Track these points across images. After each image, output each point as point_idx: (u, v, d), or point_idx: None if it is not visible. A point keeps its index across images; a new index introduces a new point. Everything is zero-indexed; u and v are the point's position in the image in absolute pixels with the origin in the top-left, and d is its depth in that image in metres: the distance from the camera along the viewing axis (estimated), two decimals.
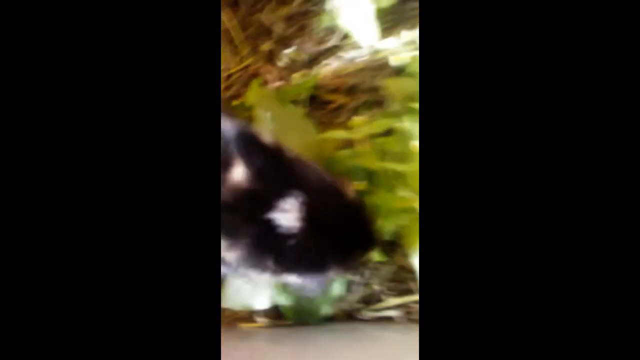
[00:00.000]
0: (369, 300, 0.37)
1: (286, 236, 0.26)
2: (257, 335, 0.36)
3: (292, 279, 0.29)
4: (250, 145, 0.27)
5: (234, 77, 0.49)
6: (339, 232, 0.28)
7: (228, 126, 0.28)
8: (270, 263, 0.27)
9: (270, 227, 0.26)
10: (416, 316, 0.36)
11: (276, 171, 0.27)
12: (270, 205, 0.26)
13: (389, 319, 0.37)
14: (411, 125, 0.32)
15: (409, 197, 0.30)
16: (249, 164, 0.27)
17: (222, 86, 0.48)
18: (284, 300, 0.35)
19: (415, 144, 0.30)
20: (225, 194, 0.26)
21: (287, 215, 0.26)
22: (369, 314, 0.37)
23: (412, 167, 0.31)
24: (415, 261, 0.30)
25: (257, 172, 0.27)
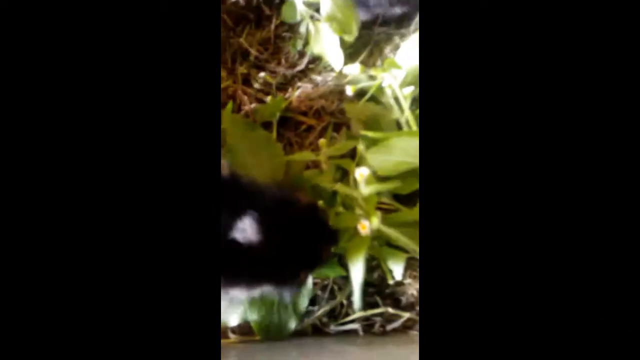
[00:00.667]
0: (336, 314, 0.39)
1: (248, 252, 0.29)
2: (229, 351, 0.38)
3: (264, 289, 0.31)
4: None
5: None
6: (298, 235, 0.30)
7: None
8: (238, 278, 0.30)
9: (234, 247, 0.29)
10: (379, 329, 0.37)
11: (230, 196, 0.29)
12: (229, 227, 0.29)
13: (354, 332, 0.38)
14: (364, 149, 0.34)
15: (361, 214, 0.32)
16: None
17: None
18: (254, 316, 0.37)
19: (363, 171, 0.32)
20: None
21: (245, 233, 0.29)
22: (335, 328, 0.38)
23: (370, 190, 0.33)
24: (356, 275, 0.32)
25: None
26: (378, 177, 0.33)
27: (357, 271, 0.31)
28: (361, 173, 0.32)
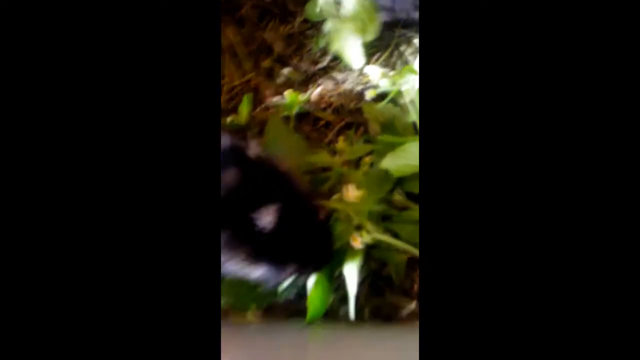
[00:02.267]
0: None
1: (260, 234, 0.31)
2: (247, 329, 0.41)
3: (258, 271, 0.33)
4: (238, 157, 0.32)
5: (236, 89, 0.53)
6: (303, 240, 0.33)
7: (227, 144, 0.33)
8: (242, 254, 0.32)
9: (248, 225, 0.31)
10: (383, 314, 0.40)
11: (259, 179, 0.32)
12: (249, 207, 0.31)
13: (362, 318, 0.41)
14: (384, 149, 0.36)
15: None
16: (234, 172, 0.32)
17: (226, 97, 0.53)
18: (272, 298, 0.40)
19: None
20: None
21: (265, 217, 0.31)
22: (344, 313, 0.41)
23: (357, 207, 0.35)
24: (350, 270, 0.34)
25: (242, 179, 0.31)
26: (394, 179, 0.35)
27: (351, 283, 0.34)
28: (351, 191, 0.34)
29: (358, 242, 0.33)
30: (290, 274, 0.34)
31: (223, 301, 0.39)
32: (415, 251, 0.34)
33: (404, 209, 0.37)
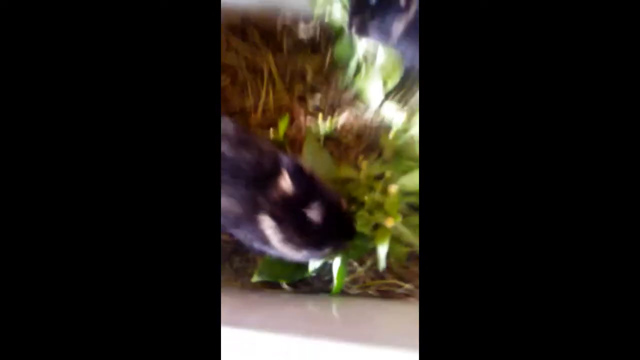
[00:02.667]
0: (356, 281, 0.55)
1: (311, 223, 0.43)
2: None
3: (304, 251, 0.45)
4: (296, 171, 0.44)
5: (269, 108, 0.64)
6: (337, 225, 0.45)
7: (285, 159, 0.45)
8: (300, 241, 0.43)
9: (304, 218, 0.43)
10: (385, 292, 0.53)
11: (308, 186, 0.44)
12: (304, 205, 0.43)
13: (368, 295, 0.54)
14: (395, 173, 0.50)
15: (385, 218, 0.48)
16: (294, 180, 0.43)
17: (259, 113, 0.64)
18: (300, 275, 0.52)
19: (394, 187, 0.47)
20: (276, 197, 0.43)
21: (313, 212, 0.43)
22: (355, 290, 0.54)
23: (391, 199, 0.48)
24: (382, 250, 0.47)
25: (298, 185, 0.43)
26: (404, 192, 0.49)
27: (382, 248, 0.47)
28: (392, 188, 0.47)
29: (391, 222, 0.47)
30: (328, 253, 0.47)
31: (260, 277, 0.52)
32: (416, 246, 0.48)
33: (408, 215, 0.51)
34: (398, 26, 0.50)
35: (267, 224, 0.43)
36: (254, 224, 0.44)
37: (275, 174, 0.44)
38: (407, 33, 0.50)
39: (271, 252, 0.47)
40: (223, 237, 0.56)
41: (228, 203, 0.45)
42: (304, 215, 0.43)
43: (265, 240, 0.44)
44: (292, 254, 0.45)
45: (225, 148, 0.45)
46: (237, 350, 0.36)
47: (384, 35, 0.51)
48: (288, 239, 0.44)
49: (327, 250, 0.45)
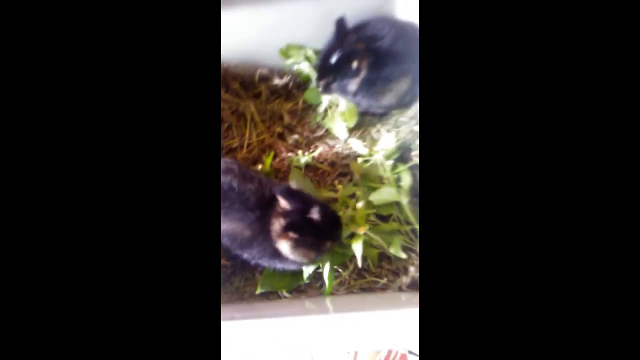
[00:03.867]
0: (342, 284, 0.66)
1: (312, 222, 0.53)
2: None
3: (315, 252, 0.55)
4: (288, 191, 0.56)
5: (253, 145, 0.76)
6: (331, 219, 0.56)
7: (277, 186, 0.56)
8: (307, 241, 0.54)
9: (308, 220, 0.53)
10: (367, 289, 0.65)
11: (301, 199, 0.55)
12: (304, 212, 0.55)
13: (353, 293, 0.66)
14: (364, 191, 0.64)
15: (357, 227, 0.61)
16: (289, 199, 0.55)
17: (245, 150, 0.76)
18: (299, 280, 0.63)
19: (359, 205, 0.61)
20: (279, 213, 0.54)
21: (313, 213, 0.54)
22: (342, 291, 0.66)
23: (360, 213, 0.61)
24: (357, 251, 0.60)
25: (293, 201, 0.55)
26: (372, 205, 0.62)
27: (357, 248, 0.59)
28: (359, 205, 0.61)
29: (362, 229, 0.59)
30: (328, 248, 0.57)
31: (263, 288, 0.62)
32: (385, 248, 0.61)
33: (377, 224, 0.64)
34: (352, 86, 0.67)
35: (279, 235, 0.53)
36: (264, 241, 0.54)
37: (274, 198, 0.55)
38: (359, 89, 0.67)
39: (277, 265, 0.58)
40: (223, 262, 0.65)
41: (238, 227, 0.55)
42: (307, 218, 0.54)
43: (275, 254, 0.55)
44: (301, 258, 0.56)
45: (233, 182, 0.56)
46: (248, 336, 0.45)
47: (343, 92, 0.68)
48: (298, 244, 0.54)
49: (328, 245, 0.56)
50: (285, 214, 0.54)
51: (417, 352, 0.66)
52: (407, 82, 0.69)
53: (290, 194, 0.55)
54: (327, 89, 0.68)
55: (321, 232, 0.54)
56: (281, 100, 0.80)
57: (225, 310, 0.53)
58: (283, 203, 0.55)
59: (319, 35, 0.68)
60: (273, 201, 0.56)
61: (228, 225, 0.56)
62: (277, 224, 0.54)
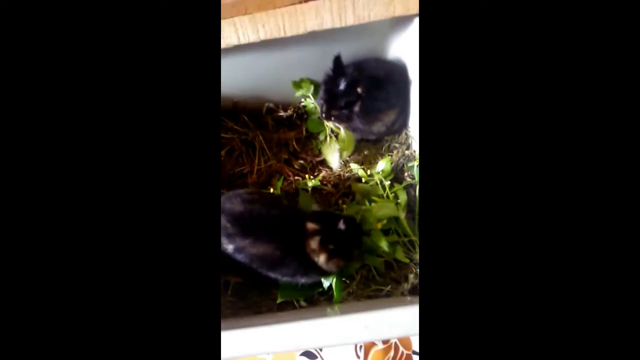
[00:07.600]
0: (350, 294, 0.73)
1: (341, 232, 0.61)
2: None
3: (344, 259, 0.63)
4: (315, 215, 0.64)
5: (262, 171, 0.84)
6: (356, 228, 0.64)
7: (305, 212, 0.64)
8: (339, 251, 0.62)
9: (340, 232, 0.61)
10: (373, 296, 0.72)
11: (326, 217, 0.63)
12: (333, 225, 0.61)
13: (358, 299, 0.72)
14: (368, 209, 0.72)
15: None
16: (316, 220, 0.62)
17: (255, 175, 0.83)
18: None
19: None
20: (310, 231, 0.62)
21: (340, 224, 0.61)
22: (351, 300, 0.72)
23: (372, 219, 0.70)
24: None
25: (319, 221, 0.62)
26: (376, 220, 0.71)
27: (377, 236, 0.68)
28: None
29: (379, 225, 0.68)
30: (355, 255, 0.64)
31: (282, 297, 0.68)
32: (390, 257, 0.69)
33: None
34: (357, 108, 0.75)
35: (319, 249, 0.60)
36: (297, 259, 0.61)
37: (297, 219, 0.63)
38: (360, 113, 0.76)
39: (305, 280, 0.65)
40: (239, 279, 0.71)
41: (269, 250, 0.62)
42: (337, 230, 0.61)
43: (308, 269, 0.62)
44: (334, 267, 0.63)
45: (260, 209, 0.63)
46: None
47: (346, 118, 0.76)
48: (334, 253, 0.61)
49: (355, 253, 0.63)
50: (317, 232, 0.62)
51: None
52: (395, 113, 0.79)
53: (315, 217, 0.63)
54: (330, 116, 0.75)
55: (350, 238, 0.62)
56: (286, 129, 0.89)
57: (245, 320, 0.59)
58: (312, 226, 0.62)
59: (316, 73, 0.77)
60: (297, 223, 0.63)
61: (258, 249, 0.62)
62: (314, 243, 0.61)
